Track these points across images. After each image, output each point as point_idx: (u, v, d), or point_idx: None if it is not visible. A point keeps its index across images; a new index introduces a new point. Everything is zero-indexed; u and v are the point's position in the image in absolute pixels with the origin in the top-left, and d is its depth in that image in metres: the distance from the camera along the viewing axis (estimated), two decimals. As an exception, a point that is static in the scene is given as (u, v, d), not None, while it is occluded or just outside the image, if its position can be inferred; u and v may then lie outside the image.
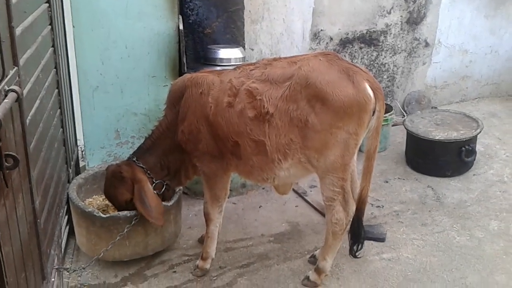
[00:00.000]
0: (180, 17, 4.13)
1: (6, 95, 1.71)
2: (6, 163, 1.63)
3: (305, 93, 2.81)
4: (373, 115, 2.87)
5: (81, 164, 4.12)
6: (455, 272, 3.33)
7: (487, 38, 6.36)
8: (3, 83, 1.72)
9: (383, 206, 4.18)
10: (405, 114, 5.91)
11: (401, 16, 5.66)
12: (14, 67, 1.93)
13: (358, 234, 3.11)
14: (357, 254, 3.17)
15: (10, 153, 1.65)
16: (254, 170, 3.08)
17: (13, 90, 1.72)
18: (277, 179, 3.12)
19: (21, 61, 2.10)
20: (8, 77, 1.81)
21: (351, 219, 3.07)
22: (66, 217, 3.56)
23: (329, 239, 3.10)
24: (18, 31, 2.10)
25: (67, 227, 3.61)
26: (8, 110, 1.70)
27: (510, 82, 6.77)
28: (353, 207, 3.05)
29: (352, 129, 2.81)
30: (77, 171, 3.95)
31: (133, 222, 3.18)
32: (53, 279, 2.89)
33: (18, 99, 1.79)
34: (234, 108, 2.97)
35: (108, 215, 3.22)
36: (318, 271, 3.19)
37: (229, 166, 3.20)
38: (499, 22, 6.33)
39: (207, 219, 3.37)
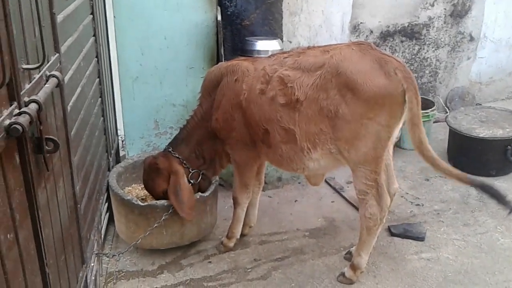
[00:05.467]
0: (219, 8, 4.13)
1: (47, 80, 1.73)
2: (46, 147, 1.65)
3: (335, 82, 2.76)
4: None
5: (121, 153, 4.20)
6: (498, 275, 3.19)
7: (536, 32, 6.06)
8: (44, 68, 1.75)
9: (423, 205, 4.05)
10: (447, 110, 5.72)
11: (445, 9, 5.46)
12: (55, 53, 1.96)
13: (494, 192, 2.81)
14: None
15: (51, 137, 1.68)
16: (283, 159, 3.07)
17: (54, 76, 1.75)
18: (307, 170, 3.08)
19: (63, 48, 2.14)
20: (50, 62, 1.84)
21: (385, 214, 2.99)
22: (106, 204, 3.63)
23: (363, 234, 3.03)
24: (59, 18, 2.14)
25: (107, 214, 3.68)
26: (49, 95, 1.73)
27: (561, 79, 6.44)
28: (387, 202, 2.97)
29: (384, 121, 2.74)
30: (117, 160, 4.03)
31: (170, 211, 3.21)
32: (92, 264, 2.95)
33: (59, 85, 1.81)
34: (266, 95, 2.97)
35: (146, 203, 3.26)
36: (353, 267, 3.12)
37: (260, 154, 3.21)
38: (549, 15, 6.02)
39: (235, 202, 3.45)
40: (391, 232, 3.64)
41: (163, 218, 3.19)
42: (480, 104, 5.90)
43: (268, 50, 4.11)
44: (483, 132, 4.43)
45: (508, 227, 3.69)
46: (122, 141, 4.16)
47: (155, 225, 3.19)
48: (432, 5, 5.41)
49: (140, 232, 3.25)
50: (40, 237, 1.65)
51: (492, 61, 6.04)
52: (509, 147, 4.32)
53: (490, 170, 4.40)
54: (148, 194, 3.51)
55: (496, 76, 6.15)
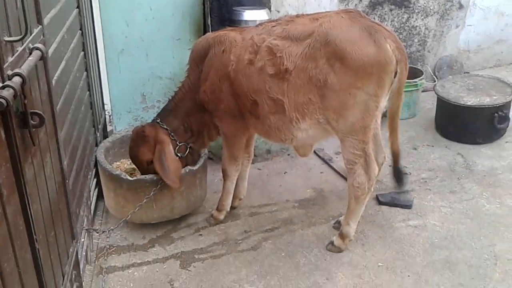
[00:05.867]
0: (205, -23, 4.04)
1: (30, 53, 1.69)
2: (32, 121, 1.63)
3: (324, 51, 2.73)
4: (394, 76, 2.78)
5: (109, 128, 4.16)
6: (483, 239, 3.27)
7: (525, 0, 6.03)
8: (27, 41, 1.70)
9: (410, 173, 4.10)
10: (436, 79, 5.72)
11: (435, -24, 5.40)
12: (38, 25, 1.91)
13: (400, 178, 3.36)
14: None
15: (36, 111, 1.65)
16: (272, 130, 3.07)
17: (37, 48, 1.71)
18: (295, 140, 3.09)
19: (46, 20, 2.08)
20: (33, 35, 1.80)
21: (373, 183, 3.02)
22: (95, 180, 3.61)
23: (351, 203, 3.07)
24: (41, -11, 2.07)
25: (96, 189, 3.67)
26: (33, 68, 1.69)
27: (548, 47, 6.45)
28: (375, 171, 3.00)
29: (372, 90, 2.73)
30: (105, 135, 4.00)
31: (159, 185, 3.21)
32: (83, 240, 2.96)
33: (43, 58, 1.77)
34: (255, 66, 2.93)
35: (135, 178, 3.26)
36: (342, 236, 3.17)
37: (248, 126, 3.20)
38: (539, -18, 5.98)
39: (224, 175, 3.46)
40: (379, 201, 3.69)
41: (152, 193, 3.20)
42: (468, 73, 5.91)
43: (256, 20, 4.04)
44: (470, 100, 4.45)
45: (493, 193, 3.76)
46: (109, 115, 4.11)
47: (145, 200, 3.20)
48: (421, -27, 5.35)
49: (129, 207, 3.25)
50: (29, 212, 1.64)
51: (481, 29, 6.01)
52: (496, 114, 4.36)
53: (477, 138, 4.45)
54: (136, 168, 3.49)
55: (484, 44, 6.14)
